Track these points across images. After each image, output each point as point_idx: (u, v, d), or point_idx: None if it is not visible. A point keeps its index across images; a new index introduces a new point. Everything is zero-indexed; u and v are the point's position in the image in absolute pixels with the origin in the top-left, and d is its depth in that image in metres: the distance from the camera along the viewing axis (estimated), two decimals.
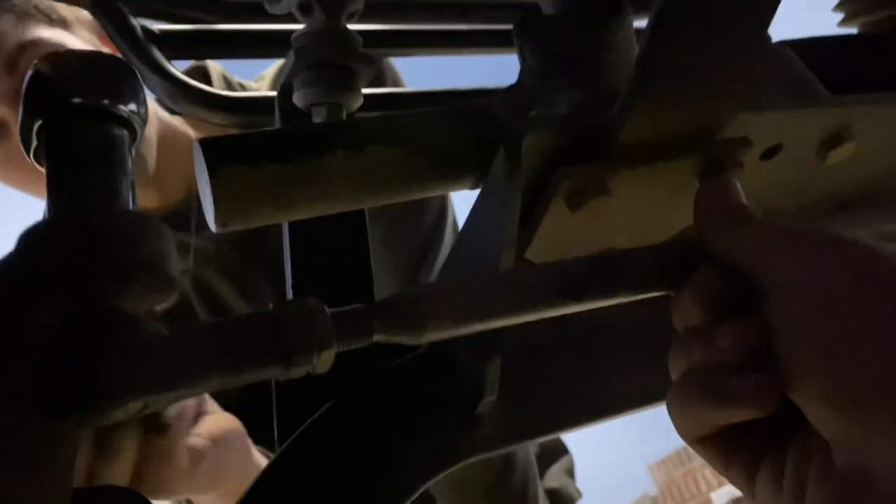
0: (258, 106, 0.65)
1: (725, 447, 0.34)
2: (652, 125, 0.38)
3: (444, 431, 0.42)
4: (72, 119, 0.31)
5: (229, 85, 0.97)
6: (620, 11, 0.46)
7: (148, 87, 0.68)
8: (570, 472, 1.21)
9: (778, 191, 0.50)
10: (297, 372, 0.29)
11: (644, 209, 0.42)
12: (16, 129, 0.88)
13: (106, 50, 0.99)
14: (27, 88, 0.37)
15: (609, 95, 0.41)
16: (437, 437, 0.41)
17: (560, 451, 1.21)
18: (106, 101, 0.36)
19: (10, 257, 0.25)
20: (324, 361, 0.29)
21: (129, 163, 0.33)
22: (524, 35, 0.46)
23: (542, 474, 1.14)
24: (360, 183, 0.42)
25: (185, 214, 0.92)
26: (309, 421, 0.40)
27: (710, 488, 5.11)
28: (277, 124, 0.52)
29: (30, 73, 0.38)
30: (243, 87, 0.99)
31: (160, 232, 0.27)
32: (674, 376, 0.34)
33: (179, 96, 0.67)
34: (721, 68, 0.37)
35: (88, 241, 0.25)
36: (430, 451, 0.41)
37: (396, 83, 0.92)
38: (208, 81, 0.93)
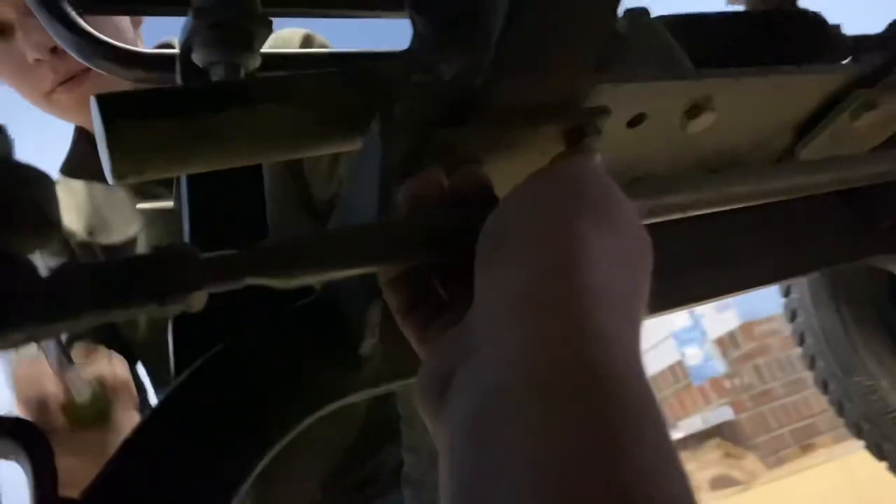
0: (165, 63, 0.67)
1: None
2: (516, 93, 0.42)
3: (329, 370, 0.45)
4: None
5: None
6: None
7: (59, 40, 0.68)
8: None
9: (648, 157, 0.54)
10: (172, 310, 0.32)
11: (514, 171, 0.46)
12: (19, 32, 0.89)
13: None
14: None
15: (485, 60, 0.44)
16: (321, 375, 0.45)
17: None
18: None
19: None
20: (196, 301, 0.32)
21: None
22: (415, 4, 0.49)
23: None
24: (253, 139, 0.45)
25: None
26: (201, 359, 0.43)
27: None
28: (179, 82, 0.54)
29: None
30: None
31: (41, 180, 0.29)
32: None
33: (89, 50, 0.67)
34: (577, 40, 0.40)
35: None
36: (314, 387, 0.45)
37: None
38: None
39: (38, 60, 0.91)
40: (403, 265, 0.37)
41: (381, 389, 0.48)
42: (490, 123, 0.43)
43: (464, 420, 0.29)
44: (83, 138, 1.00)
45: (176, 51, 0.57)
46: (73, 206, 1.00)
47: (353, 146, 0.49)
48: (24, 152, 0.32)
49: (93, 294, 0.29)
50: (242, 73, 0.50)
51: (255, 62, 0.51)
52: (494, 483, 0.25)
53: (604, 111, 0.44)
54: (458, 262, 0.37)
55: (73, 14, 0.67)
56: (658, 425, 0.27)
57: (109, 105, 0.42)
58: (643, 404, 0.27)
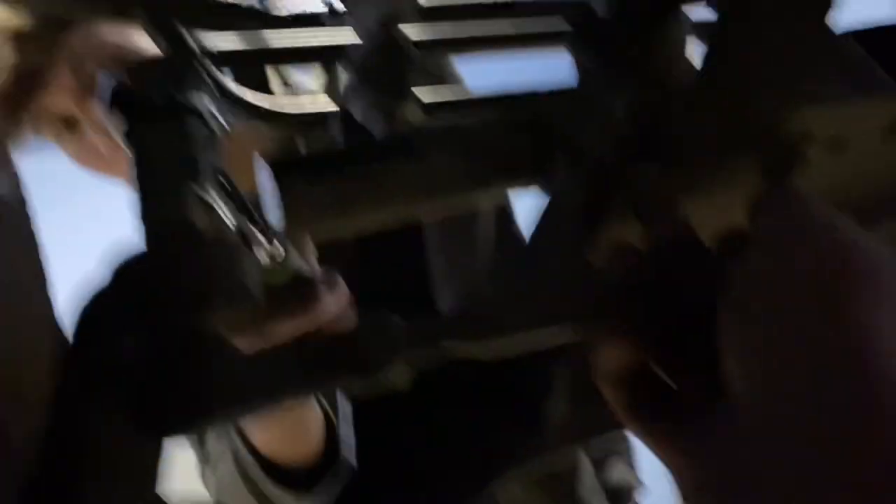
0: (311, 118, 0.66)
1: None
2: (713, 122, 0.38)
3: (517, 432, 0.43)
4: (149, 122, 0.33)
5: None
6: (674, 5, 0.45)
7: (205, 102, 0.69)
8: (630, 463, 1.18)
9: (845, 181, 0.49)
10: (374, 384, 0.30)
11: (708, 213, 0.42)
12: (86, 124, 0.91)
13: None
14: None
15: (666, 92, 0.41)
16: (510, 438, 0.42)
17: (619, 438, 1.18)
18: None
19: (106, 289, 0.27)
20: (400, 376, 0.30)
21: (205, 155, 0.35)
22: (578, 39, 0.46)
23: (601, 463, 1.13)
24: (424, 191, 0.43)
25: None
26: (395, 423, 0.41)
27: None
28: (337, 135, 0.53)
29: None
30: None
31: (239, 253, 0.28)
32: None
33: (232, 109, 0.68)
34: (783, 63, 0.37)
35: (172, 275, 0.26)
36: (502, 450, 0.42)
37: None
38: None
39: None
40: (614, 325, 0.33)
41: (567, 449, 0.45)
42: (681, 159, 0.39)
43: None
44: None
45: (324, 109, 0.56)
46: None
47: (517, 187, 0.46)
48: None
49: (295, 374, 0.28)
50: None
51: (415, 112, 0.49)
52: None
53: (808, 137, 0.40)
54: (674, 331, 0.33)
55: (215, 71, 0.68)
56: None
57: (282, 169, 0.41)
58: None
